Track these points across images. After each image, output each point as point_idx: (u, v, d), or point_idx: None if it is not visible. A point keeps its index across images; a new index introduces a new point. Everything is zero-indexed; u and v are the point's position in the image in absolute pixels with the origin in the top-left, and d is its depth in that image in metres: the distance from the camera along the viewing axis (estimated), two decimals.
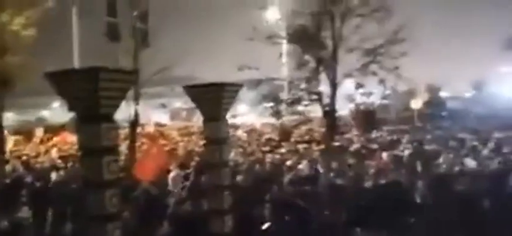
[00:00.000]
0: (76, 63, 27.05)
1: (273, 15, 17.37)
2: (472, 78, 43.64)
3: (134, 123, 13.38)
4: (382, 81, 10.53)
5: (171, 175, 10.66)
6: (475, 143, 15.06)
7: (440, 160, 11.50)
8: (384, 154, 13.02)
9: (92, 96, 3.76)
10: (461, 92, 46.48)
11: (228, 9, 35.54)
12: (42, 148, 20.93)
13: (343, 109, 26.99)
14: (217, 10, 39.90)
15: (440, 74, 39.84)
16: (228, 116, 5.60)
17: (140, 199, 8.48)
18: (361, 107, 24.51)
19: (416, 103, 27.34)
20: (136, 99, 13.07)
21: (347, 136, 20.54)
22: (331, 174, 9.97)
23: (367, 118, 23.61)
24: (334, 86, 10.29)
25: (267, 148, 16.89)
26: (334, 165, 10.72)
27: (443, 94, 41.76)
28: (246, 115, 34.84)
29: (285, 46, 11.99)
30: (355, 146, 16.61)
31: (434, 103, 35.60)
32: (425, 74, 34.83)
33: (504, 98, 35.20)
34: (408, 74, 11.40)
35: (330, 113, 10.62)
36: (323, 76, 10.66)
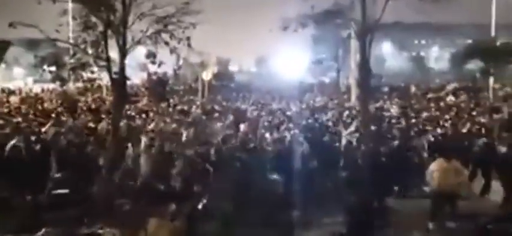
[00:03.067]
0: None
1: None
2: (256, 54, 47.94)
3: None
4: (173, 51, 10.46)
5: None
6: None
7: None
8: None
9: None
10: (247, 67, 50.72)
11: None
12: None
13: (137, 78, 26.45)
14: None
15: (229, 49, 42.41)
16: None
17: None
18: (154, 76, 24.36)
19: (206, 75, 28.47)
20: None
21: (138, 105, 20.13)
22: None
23: (159, 87, 23.58)
24: (123, 53, 9.79)
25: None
26: None
27: (231, 67, 44.85)
28: (22, 79, 30.91)
29: (70, 4, 10.88)
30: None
31: (223, 76, 37.92)
32: (215, 47, 36.62)
33: (281, 74, 39.55)
34: (200, 46, 11.64)
35: (119, 81, 10.09)
36: (113, 42, 10.05)
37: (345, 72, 33.05)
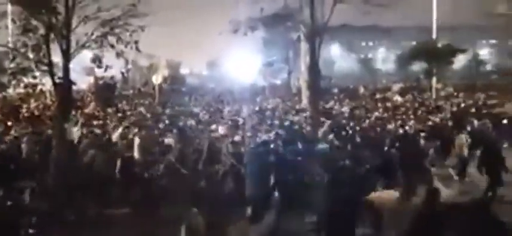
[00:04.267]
0: None
1: None
2: (207, 57, 47.68)
3: None
4: (120, 55, 10.19)
5: None
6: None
7: None
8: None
9: None
10: (198, 70, 50.33)
11: None
12: None
13: (83, 83, 25.50)
14: None
15: (180, 52, 41.85)
16: None
17: None
18: (101, 81, 23.61)
19: (157, 79, 27.92)
20: None
21: (85, 110, 19.42)
22: None
23: (106, 91, 22.86)
24: (67, 57, 9.42)
25: None
26: None
27: (182, 71, 44.32)
28: None
29: (8, 7, 10.38)
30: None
31: (174, 79, 37.37)
32: (165, 51, 36.00)
33: (233, 76, 39.52)
34: (149, 49, 11.41)
35: (63, 86, 9.70)
36: (55, 46, 9.65)
37: (295, 74, 33.44)
